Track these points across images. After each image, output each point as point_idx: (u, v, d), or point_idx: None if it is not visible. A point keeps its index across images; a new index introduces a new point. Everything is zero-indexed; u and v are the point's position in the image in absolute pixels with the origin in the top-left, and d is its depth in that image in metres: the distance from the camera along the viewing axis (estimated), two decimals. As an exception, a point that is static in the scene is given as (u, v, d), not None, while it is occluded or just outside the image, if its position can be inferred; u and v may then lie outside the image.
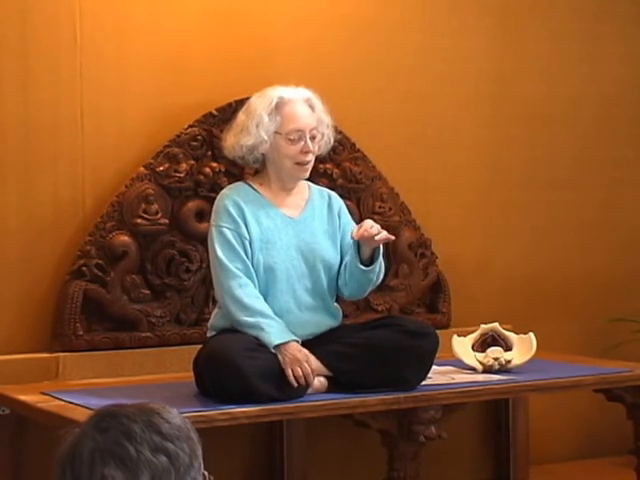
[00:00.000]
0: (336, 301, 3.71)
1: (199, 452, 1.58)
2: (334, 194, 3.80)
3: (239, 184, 3.69)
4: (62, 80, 3.95)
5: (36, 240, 3.91)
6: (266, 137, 3.55)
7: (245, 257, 3.50)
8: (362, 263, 3.55)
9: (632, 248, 5.07)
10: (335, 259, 3.64)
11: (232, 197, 3.57)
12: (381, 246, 3.59)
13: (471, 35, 4.70)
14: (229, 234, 3.51)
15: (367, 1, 4.50)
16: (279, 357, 3.36)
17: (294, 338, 3.41)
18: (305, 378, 3.37)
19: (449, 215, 4.65)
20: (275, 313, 3.47)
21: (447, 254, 4.57)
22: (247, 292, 3.45)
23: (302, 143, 3.55)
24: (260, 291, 3.50)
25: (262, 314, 3.43)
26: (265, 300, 3.49)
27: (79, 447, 1.54)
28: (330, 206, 3.71)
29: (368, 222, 3.49)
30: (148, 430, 1.54)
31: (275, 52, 4.29)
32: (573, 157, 4.95)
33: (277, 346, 3.37)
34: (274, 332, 3.40)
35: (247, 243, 3.52)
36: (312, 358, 3.41)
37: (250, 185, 3.64)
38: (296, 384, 3.35)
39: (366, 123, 4.45)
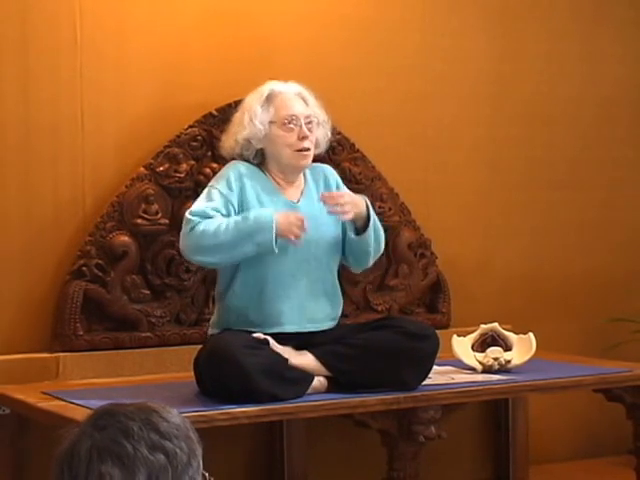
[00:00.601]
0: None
1: (198, 452, 1.59)
2: (328, 168, 3.80)
3: (249, 164, 3.68)
4: (62, 80, 3.95)
5: (36, 240, 3.91)
6: (261, 127, 3.57)
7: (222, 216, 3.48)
8: (356, 232, 3.58)
9: (632, 248, 5.08)
10: (338, 241, 3.65)
11: (239, 169, 3.58)
12: (373, 216, 3.60)
13: (471, 35, 4.71)
14: (216, 194, 3.51)
15: (367, 1, 4.50)
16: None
17: (271, 216, 3.40)
18: (303, 230, 3.41)
19: (449, 215, 4.65)
20: (275, 297, 3.49)
21: (447, 254, 4.57)
22: (207, 222, 3.41)
23: (298, 129, 3.57)
24: (260, 275, 3.50)
25: (233, 220, 3.41)
26: (265, 285, 3.49)
27: (77, 445, 1.54)
28: (327, 182, 3.72)
29: (345, 196, 3.51)
30: (146, 428, 1.54)
31: (275, 52, 4.29)
32: (573, 157, 4.95)
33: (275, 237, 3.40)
34: (260, 236, 3.39)
35: (232, 209, 3.50)
36: (298, 213, 3.45)
37: (260, 168, 3.65)
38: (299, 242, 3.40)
39: (366, 123, 4.45)
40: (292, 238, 3.40)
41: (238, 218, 3.44)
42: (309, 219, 3.54)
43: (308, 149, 3.60)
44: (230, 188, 3.53)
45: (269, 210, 3.46)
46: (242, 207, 3.52)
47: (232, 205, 3.51)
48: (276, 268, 3.51)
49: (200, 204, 3.49)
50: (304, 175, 3.71)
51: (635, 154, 5.11)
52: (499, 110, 4.78)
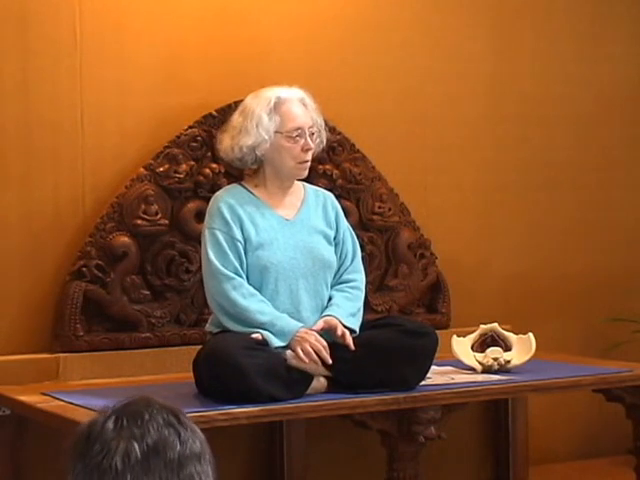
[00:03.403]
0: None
1: (210, 460, 1.60)
2: (330, 196, 3.80)
3: (234, 186, 3.70)
4: (62, 80, 3.95)
5: (36, 241, 3.92)
6: (267, 137, 3.56)
7: (237, 260, 3.50)
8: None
9: (631, 248, 5.08)
10: (333, 258, 3.65)
11: (226, 199, 3.58)
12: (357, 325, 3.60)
13: (470, 35, 4.71)
14: (221, 237, 3.51)
15: (366, 0, 4.50)
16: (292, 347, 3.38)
17: (294, 332, 3.41)
18: (317, 354, 3.37)
19: (448, 215, 4.66)
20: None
21: (446, 254, 4.57)
22: (243, 292, 3.46)
23: (303, 141, 3.57)
24: (259, 292, 3.51)
25: (261, 312, 3.43)
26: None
27: (100, 415, 1.59)
28: (325, 208, 3.72)
29: (346, 336, 3.47)
30: (166, 411, 1.58)
31: (275, 53, 4.29)
32: (571, 157, 4.96)
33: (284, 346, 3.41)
34: (274, 339, 3.41)
35: (240, 245, 3.52)
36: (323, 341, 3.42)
37: (245, 187, 3.66)
38: (307, 360, 3.36)
39: (366, 123, 4.45)
40: (301, 353, 3.37)
41: (267, 318, 3.42)
42: (304, 234, 3.57)
43: (308, 161, 3.61)
44: (228, 223, 3.52)
45: (297, 324, 3.45)
46: (243, 233, 3.54)
47: (238, 241, 3.52)
48: (275, 284, 3.52)
49: (222, 258, 3.48)
50: (305, 192, 3.72)
51: (633, 154, 5.11)
52: (498, 110, 4.78)
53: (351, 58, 4.46)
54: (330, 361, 3.40)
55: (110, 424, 1.55)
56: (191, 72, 4.15)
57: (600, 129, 5.04)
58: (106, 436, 1.54)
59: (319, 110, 3.67)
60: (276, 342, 3.40)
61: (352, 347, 3.45)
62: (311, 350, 3.37)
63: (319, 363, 3.40)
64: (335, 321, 3.50)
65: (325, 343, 3.41)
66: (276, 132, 3.57)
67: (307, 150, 3.58)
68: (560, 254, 4.93)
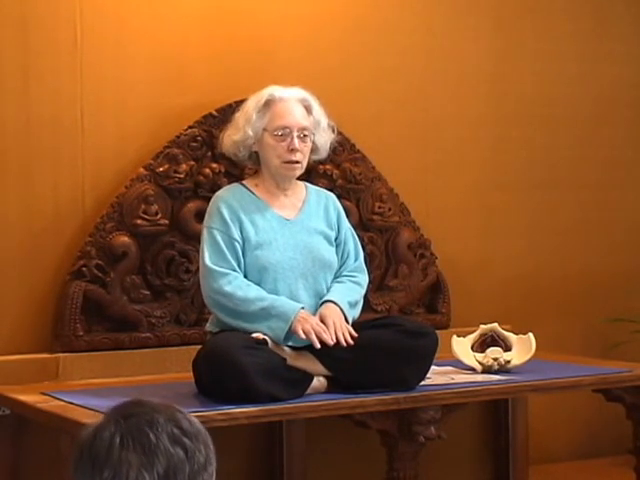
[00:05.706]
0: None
1: (214, 462, 1.60)
2: (332, 197, 3.80)
3: (234, 185, 3.70)
4: (62, 81, 3.95)
5: (36, 240, 3.91)
6: (252, 133, 3.57)
7: (234, 259, 3.50)
8: None
9: (631, 248, 5.08)
10: (333, 258, 3.65)
11: (226, 199, 3.58)
12: (351, 314, 3.58)
13: (471, 35, 4.71)
14: (219, 236, 3.51)
15: (367, 1, 4.50)
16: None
17: (295, 312, 3.40)
18: (317, 334, 3.36)
19: (448, 215, 4.66)
20: None
21: (446, 254, 4.57)
22: (239, 285, 3.46)
23: (289, 140, 3.56)
24: None
25: (260, 299, 3.43)
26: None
27: (101, 430, 1.57)
28: (327, 208, 3.72)
29: (331, 328, 3.43)
30: (170, 422, 1.57)
31: (276, 53, 4.29)
32: (572, 157, 4.96)
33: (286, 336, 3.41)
34: (275, 322, 3.40)
35: (237, 245, 3.52)
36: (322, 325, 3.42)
37: (245, 186, 3.66)
38: (305, 338, 3.36)
39: (366, 123, 4.45)
40: (301, 333, 3.37)
41: (267, 303, 3.43)
42: (304, 234, 3.57)
43: (297, 162, 3.59)
44: (226, 223, 3.52)
45: (297, 305, 3.45)
46: (242, 234, 3.53)
47: (236, 241, 3.52)
48: (274, 284, 3.52)
49: (218, 257, 3.48)
50: (307, 193, 3.72)
51: (634, 154, 5.11)
52: (498, 110, 4.79)
53: (352, 58, 4.46)
54: (332, 342, 3.38)
55: (116, 445, 1.53)
56: (191, 71, 4.15)
57: (601, 129, 5.04)
58: (114, 461, 1.53)
59: (325, 113, 3.66)
60: (279, 326, 3.39)
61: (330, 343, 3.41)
62: (312, 330, 3.37)
63: (318, 344, 3.38)
64: (329, 311, 3.49)
65: (325, 327, 3.41)
66: (264, 130, 3.57)
67: (292, 150, 3.56)
68: (560, 254, 4.93)
